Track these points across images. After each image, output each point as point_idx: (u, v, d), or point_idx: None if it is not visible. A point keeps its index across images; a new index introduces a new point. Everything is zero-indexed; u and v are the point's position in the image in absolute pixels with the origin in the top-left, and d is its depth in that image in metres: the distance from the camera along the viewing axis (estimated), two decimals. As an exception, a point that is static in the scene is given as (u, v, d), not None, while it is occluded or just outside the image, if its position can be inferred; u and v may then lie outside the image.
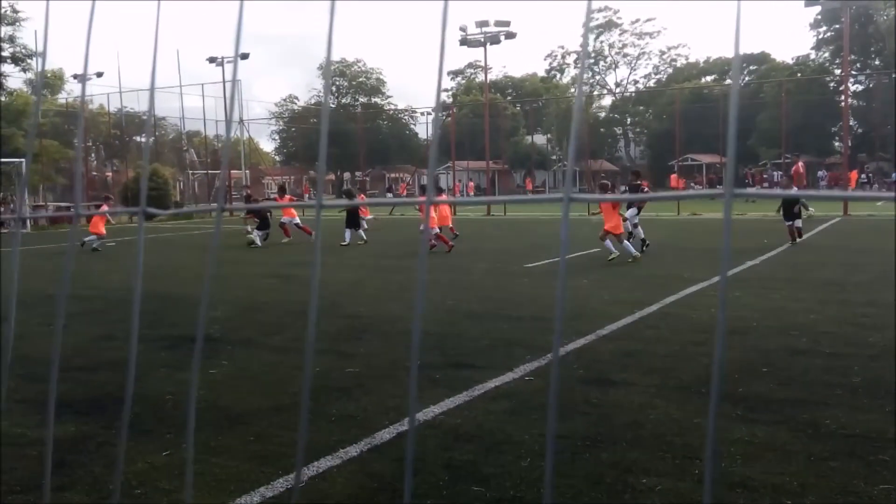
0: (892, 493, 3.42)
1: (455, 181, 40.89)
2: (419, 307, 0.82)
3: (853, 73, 44.98)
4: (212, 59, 39.19)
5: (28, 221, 26.06)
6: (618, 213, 12.69)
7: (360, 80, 67.57)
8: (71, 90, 42.55)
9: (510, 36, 33.13)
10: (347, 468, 3.86)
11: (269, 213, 18.17)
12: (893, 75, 41.69)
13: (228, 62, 36.49)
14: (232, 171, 41.53)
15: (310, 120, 58.51)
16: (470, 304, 8.71)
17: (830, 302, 8.33)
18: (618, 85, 71.26)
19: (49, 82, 39.28)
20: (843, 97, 33.89)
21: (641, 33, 68.13)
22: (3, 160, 25.48)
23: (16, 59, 33.17)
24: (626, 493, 3.51)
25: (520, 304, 8.70)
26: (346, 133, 56.67)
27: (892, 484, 3.52)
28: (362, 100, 67.65)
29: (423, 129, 56.61)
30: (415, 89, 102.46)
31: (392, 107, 67.36)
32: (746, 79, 57.44)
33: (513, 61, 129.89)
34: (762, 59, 58.50)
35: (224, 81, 38.37)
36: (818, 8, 42.34)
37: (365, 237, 17.58)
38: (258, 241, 17.34)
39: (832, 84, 48.29)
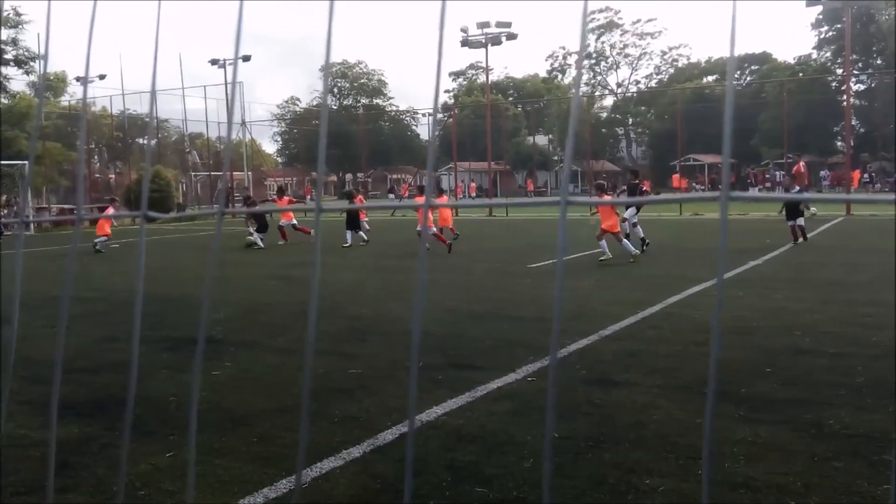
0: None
1: (457, 182, 40.89)
2: (419, 308, 0.82)
3: (855, 72, 44.92)
4: (214, 61, 39.30)
5: (31, 225, 26.11)
6: (614, 212, 12.68)
7: (362, 81, 67.67)
8: (74, 92, 42.62)
9: (511, 37, 33.14)
10: (350, 469, 3.86)
11: (268, 215, 18.18)
12: (895, 75, 41.59)
13: (230, 64, 36.50)
14: (234, 173, 41.60)
15: (311, 121, 58.61)
16: (472, 305, 8.71)
17: (833, 302, 8.32)
18: (619, 85, 71.26)
19: (52, 85, 39.34)
20: (844, 97, 33.83)
21: (643, 34, 68.13)
22: (6, 163, 25.55)
23: (19, 62, 33.25)
24: (630, 493, 3.51)
25: (522, 304, 8.70)
26: (348, 134, 56.76)
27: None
28: (364, 101, 67.73)
29: (425, 130, 56.77)
30: (417, 90, 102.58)
31: (394, 108, 67.42)
32: (748, 79, 57.43)
33: (514, 62, 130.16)
34: (764, 59, 58.42)
35: (226, 83, 38.43)
36: (819, 8, 42.28)
37: (366, 237, 17.60)
38: (260, 243, 17.36)
39: (834, 84, 48.20)
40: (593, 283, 10.21)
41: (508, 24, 33.24)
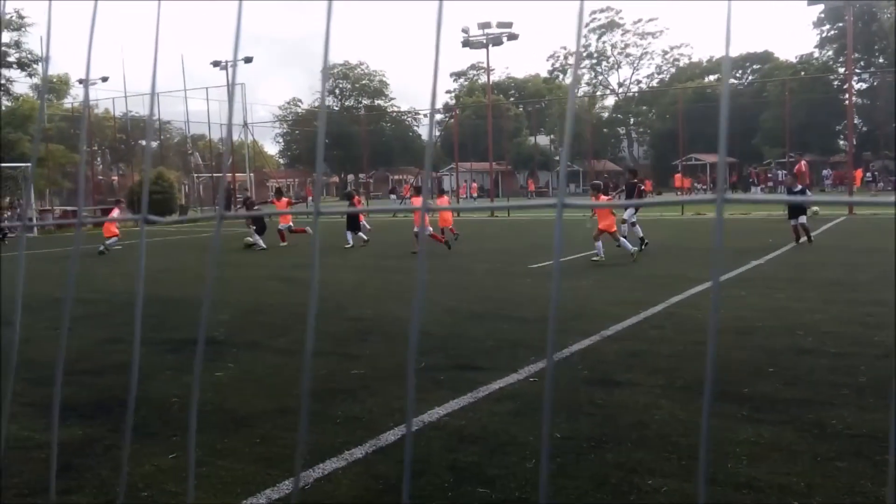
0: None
1: (459, 182, 40.87)
2: (417, 308, 0.83)
3: (857, 71, 44.82)
4: (216, 63, 39.34)
5: (34, 227, 26.16)
6: (611, 212, 12.66)
7: (364, 82, 67.70)
8: (76, 95, 42.72)
9: (512, 37, 33.17)
10: (352, 470, 3.87)
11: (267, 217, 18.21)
12: (897, 73, 41.51)
13: (232, 66, 36.41)
14: (236, 175, 41.64)
15: (313, 123, 58.64)
16: (473, 305, 8.71)
17: (836, 301, 8.30)
18: (620, 85, 71.21)
19: (54, 87, 39.45)
20: (846, 95, 33.78)
21: (644, 33, 68.07)
22: (9, 165, 25.58)
23: (21, 65, 33.34)
24: (632, 493, 3.51)
25: (523, 304, 8.70)
26: (350, 135, 56.79)
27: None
28: (365, 102, 67.76)
29: (426, 130, 56.67)
30: (418, 91, 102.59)
31: (395, 109, 67.43)
32: (750, 78, 57.36)
33: (515, 62, 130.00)
34: (765, 58, 58.35)
35: (228, 85, 38.46)
36: (821, 6, 42.27)
37: (366, 237, 17.62)
38: (261, 243, 17.38)
39: (836, 82, 48.13)
40: (594, 283, 10.21)
41: (509, 25, 33.27)
